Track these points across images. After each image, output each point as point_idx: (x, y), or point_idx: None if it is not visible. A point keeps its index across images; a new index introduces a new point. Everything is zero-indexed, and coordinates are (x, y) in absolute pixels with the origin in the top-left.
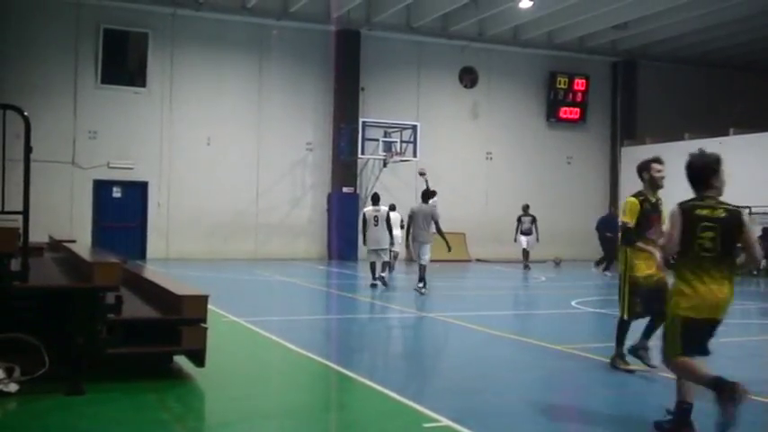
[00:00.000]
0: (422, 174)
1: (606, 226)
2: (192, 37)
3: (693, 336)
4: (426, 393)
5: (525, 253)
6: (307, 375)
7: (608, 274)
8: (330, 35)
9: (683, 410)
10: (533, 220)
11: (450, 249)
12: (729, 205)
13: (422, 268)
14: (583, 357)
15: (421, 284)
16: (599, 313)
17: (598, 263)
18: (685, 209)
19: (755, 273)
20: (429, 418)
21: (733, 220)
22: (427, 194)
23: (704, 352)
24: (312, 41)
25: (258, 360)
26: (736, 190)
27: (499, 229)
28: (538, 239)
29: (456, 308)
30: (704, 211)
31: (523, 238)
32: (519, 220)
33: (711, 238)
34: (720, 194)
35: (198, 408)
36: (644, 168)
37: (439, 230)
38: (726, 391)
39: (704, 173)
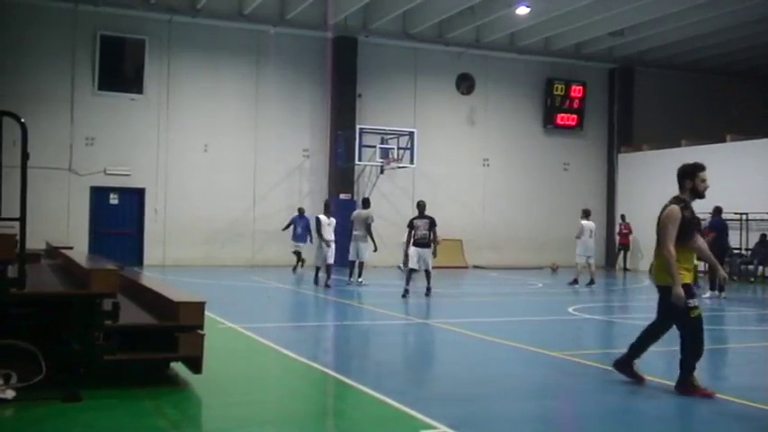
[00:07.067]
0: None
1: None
2: (188, 43)
3: None
4: (423, 400)
5: (409, 272)
6: (303, 382)
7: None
8: (327, 42)
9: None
10: (431, 225)
11: (375, 250)
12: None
13: (361, 265)
14: (580, 364)
15: (360, 279)
16: (596, 320)
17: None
18: None
19: (752, 279)
20: (426, 424)
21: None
22: (367, 201)
23: None
24: (309, 48)
25: (255, 367)
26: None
27: (496, 236)
28: (435, 254)
29: (452, 314)
30: None
31: (414, 251)
32: (411, 225)
33: None
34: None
35: (194, 414)
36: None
37: (370, 233)
38: None
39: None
